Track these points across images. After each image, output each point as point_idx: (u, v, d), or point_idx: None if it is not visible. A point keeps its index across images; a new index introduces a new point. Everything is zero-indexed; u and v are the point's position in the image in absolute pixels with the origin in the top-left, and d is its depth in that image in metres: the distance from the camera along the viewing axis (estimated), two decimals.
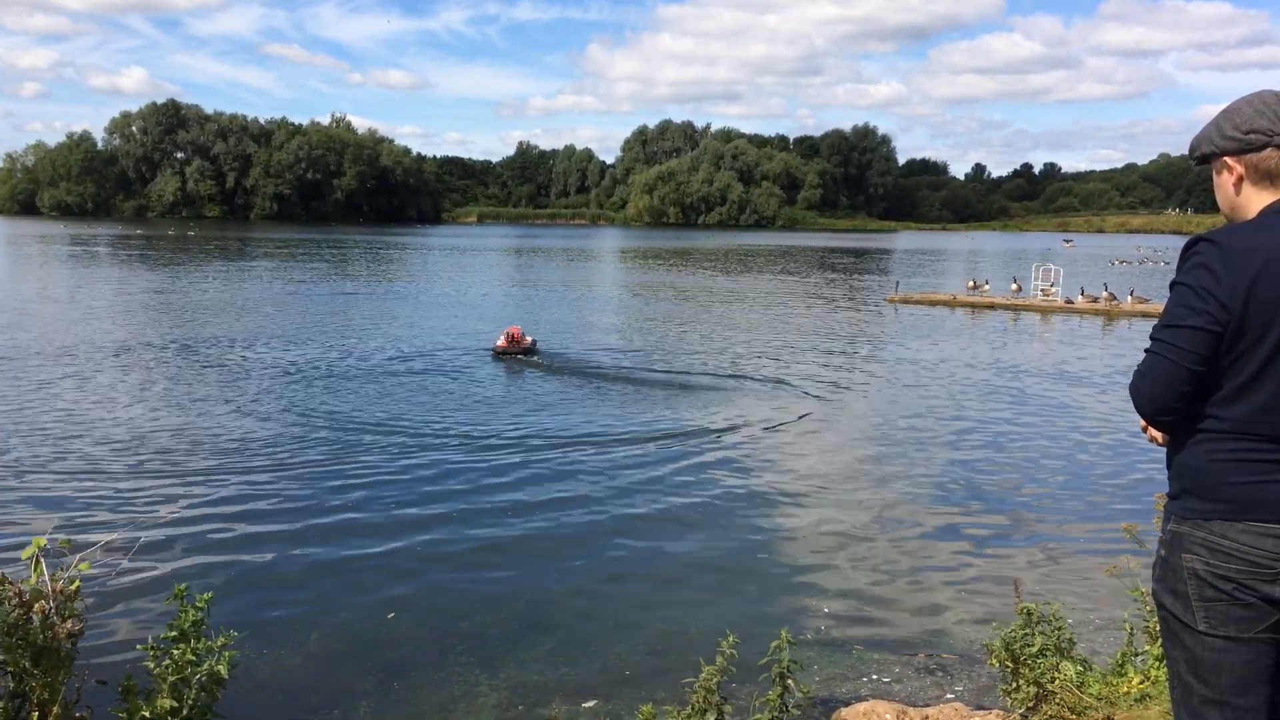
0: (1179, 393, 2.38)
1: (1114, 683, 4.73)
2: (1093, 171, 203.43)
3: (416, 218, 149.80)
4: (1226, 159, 2.47)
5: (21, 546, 3.61)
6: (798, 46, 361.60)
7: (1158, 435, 2.61)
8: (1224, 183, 2.51)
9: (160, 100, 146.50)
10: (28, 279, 38.78)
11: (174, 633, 3.72)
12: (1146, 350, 2.45)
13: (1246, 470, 2.34)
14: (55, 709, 3.45)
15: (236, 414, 14.08)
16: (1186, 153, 2.67)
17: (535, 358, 20.27)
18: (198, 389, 15.97)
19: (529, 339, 21.29)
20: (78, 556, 3.67)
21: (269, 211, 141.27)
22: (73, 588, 3.55)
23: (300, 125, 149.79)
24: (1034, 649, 4.71)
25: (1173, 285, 2.41)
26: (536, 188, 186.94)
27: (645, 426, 13.95)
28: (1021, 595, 5.20)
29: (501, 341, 20.80)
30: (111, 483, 10.53)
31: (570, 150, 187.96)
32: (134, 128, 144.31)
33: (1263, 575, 2.32)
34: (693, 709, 4.37)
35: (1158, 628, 2.67)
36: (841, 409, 15.89)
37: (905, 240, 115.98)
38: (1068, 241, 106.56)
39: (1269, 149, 2.39)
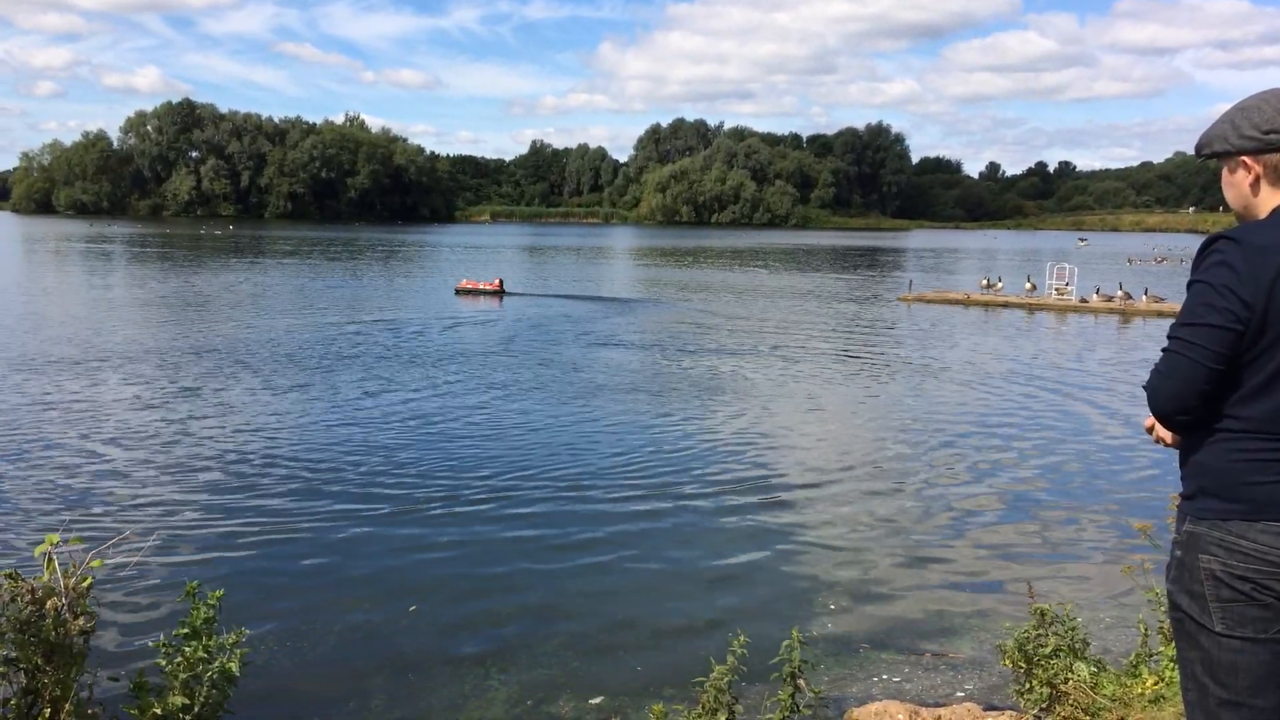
0: (1198, 391, 2.33)
1: (1128, 684, 4.70)
2: (1108, 170, 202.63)
3: (429, 216, 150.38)
4: (1244, 158, 2.42)
5: (35, 543, 3.63)
6: (809, 45, 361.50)
7: (1165, 435, 2.56)
8: (1239, 181, 2.45)
9: (175, 99, 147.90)
10: (57, 278, 39.02)
11: (186, 630, 3.73)
12: (1165, 349, 2.40)
13: (1265, 470, 2.31)
14: (67, 706, 3.47)
15: (251, 414, 14.13)
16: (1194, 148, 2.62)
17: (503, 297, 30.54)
18: (215, 388, 16.03)
19: (497, 281, 34.15)
20: (90, 553, 3.69)
21: (283, 210, 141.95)
22: (85, 585, 3.56)
23: (314, 124, 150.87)
24: (1047, 649, 4.68)
25: (1191, 283, 2.36)
26: (549, 186, 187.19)
27: (654, 423, 13.93)
28: (1034, 595, 5.17)
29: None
30: (125, 480, 10.58)
31: (583, 149, 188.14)
32: (149, 127, 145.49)
33: None
34: (704, 708, 4.35)
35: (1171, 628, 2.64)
36: (852, 408, 15.84)
37: (918, 239, 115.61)
38: (1082, 240, 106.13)
39: None
